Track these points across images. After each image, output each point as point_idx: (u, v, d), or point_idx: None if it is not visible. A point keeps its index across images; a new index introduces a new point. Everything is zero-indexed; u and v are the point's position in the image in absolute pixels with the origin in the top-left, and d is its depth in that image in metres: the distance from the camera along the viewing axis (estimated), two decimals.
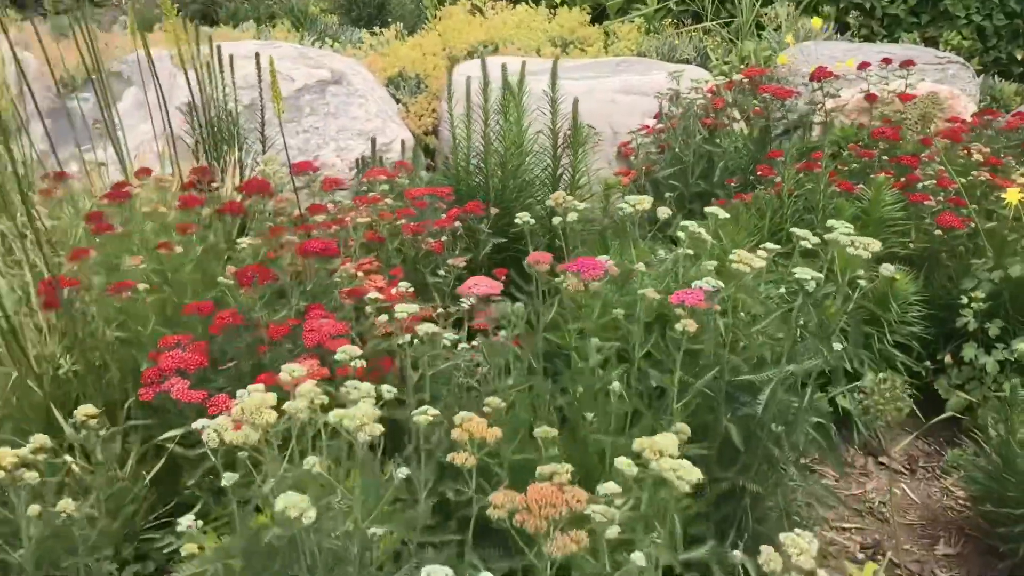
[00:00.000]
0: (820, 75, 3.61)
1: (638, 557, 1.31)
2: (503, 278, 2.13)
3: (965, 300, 2.88)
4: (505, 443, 1.87)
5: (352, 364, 1.68)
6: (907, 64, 3.73)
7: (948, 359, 3.02)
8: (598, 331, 1.95)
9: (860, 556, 2.60)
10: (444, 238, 2.60)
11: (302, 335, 2.04)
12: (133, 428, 2.16)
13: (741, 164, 3.71)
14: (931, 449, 3.06)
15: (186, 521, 1.51)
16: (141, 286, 2.04)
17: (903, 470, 2.96)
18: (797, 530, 1.38)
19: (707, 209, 2.09)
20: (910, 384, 2.94)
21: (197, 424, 1.41)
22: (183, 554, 1.64)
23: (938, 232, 3.01)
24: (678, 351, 1.82)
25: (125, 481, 1.98)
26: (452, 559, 1.85)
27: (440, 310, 2.43)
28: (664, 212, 2.09)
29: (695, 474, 1.32)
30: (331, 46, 5.46)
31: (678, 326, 1.77)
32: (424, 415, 1.53)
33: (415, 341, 2.01)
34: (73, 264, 2.06)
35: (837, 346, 1.91)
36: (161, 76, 3.59)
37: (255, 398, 1.37)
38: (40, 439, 1.65)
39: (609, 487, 1.37)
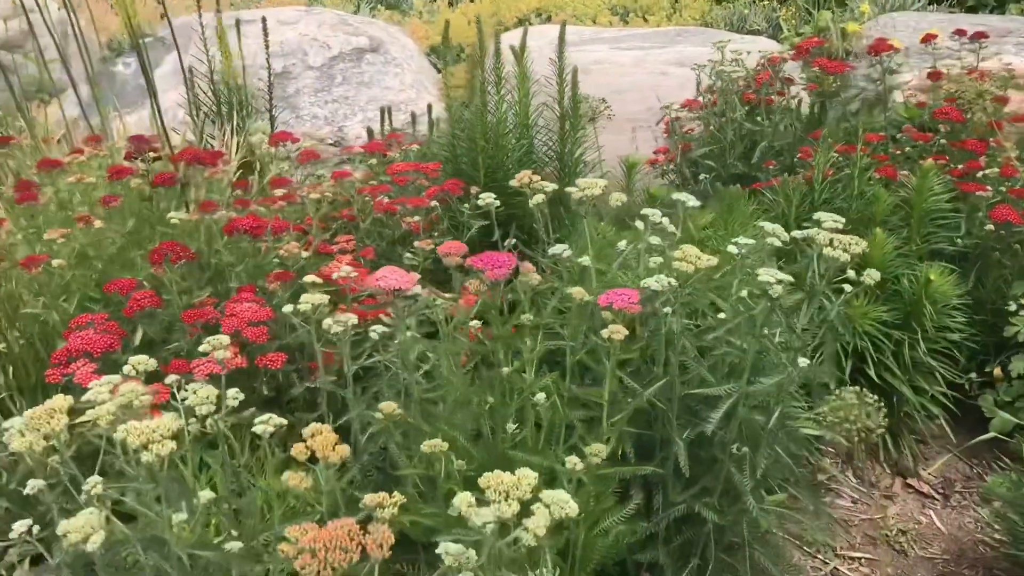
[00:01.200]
0: (879, 48, 3.23)
1: None
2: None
3: (1014, 307, 2.51)
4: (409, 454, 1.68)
5: (218, 355, 1.51)
6: (978, 36, 3.31)
7: (997, 372, 2.65)
8: (535, 331, 1.73)
9: None
10: (417, 217, 2.40)
11: (221, 320, 1.89)
12: None
13: (788, 145, 3.38)
14: (972, 472, 2.70)
15: (19, 528, 1.37)
16: (55, 261, 1.92)
17: (935, 495, 2.62)
18: None
19: (675, 195, 1.82)
20: (946, 397, 2.60)
21: (5, 423, 1.27)
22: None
23: (990, 227, 2.64)
24: (607, 359, 1.59)
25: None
26: None
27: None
28: (618, 197, 1.84)
29: (539, 526, 1.09)
30: (382, 12, 5.31)
31: (604, 332, 1.53)
32: (265, 424, 1.35)
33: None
34: None
35: (803, 362, 1.63)
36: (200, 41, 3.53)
37: (53, 400, 1.21)
38: None
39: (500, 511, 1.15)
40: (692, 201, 1.85)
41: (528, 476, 1.12)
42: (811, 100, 3.55)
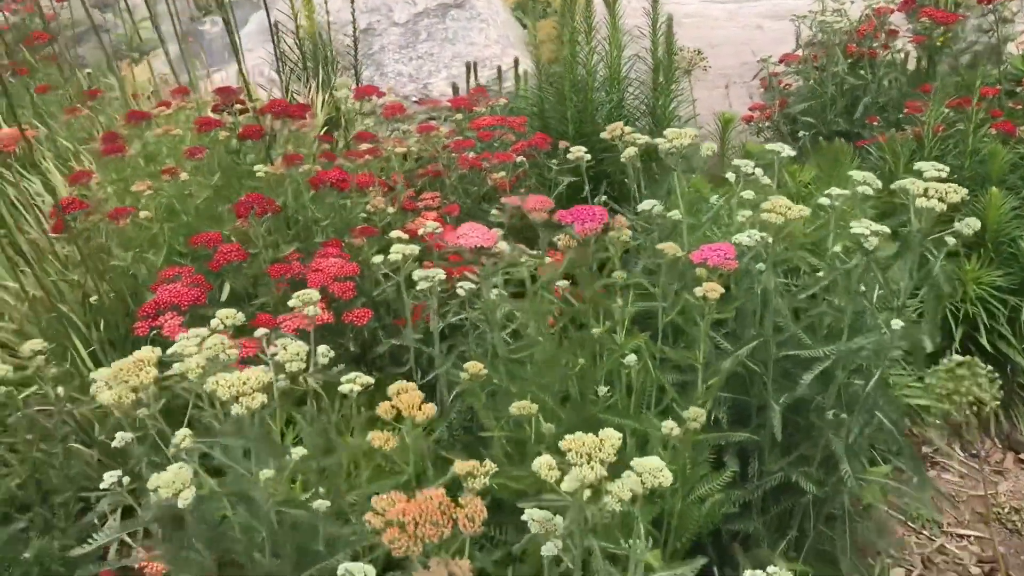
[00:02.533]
0: None
1: None
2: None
3: None
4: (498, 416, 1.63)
5: (308, 311, 1.48)
6: None
7: None
8: (627, 291, 1.66)
9: (975, 570, 2.18)
10: (503, 173, 2.33)
11: (307, 275, 1.87)
12: None
13: (892, 100, 3.20)
14: None
15: (109, 478, 1.36)
16: (142, 213, 1.91)
17: None
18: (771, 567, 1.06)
19: (769, 146, 1.72)
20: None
21: (94, 374, 1.26)
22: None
23: None
24: (701, 319, 1.50)
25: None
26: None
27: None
28: (708, 147, 1.74)
29: (629, 489, 1.02)
30: None
31: (698, 291, 1.45)
32: (351, 383, 1.31)
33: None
34: (74, 187, 1.97)
35: (896, 323, 1.51)
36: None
37: (141, 352, 1.19)
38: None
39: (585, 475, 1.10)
40: (787, 151, 1.74)
41: (611, 437, 1.05)
42: (917, 54, 3.35)
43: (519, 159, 2.36)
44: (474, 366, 1.53)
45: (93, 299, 2.19)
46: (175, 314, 1.81)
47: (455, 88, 3.20)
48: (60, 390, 1.62)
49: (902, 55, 3.31)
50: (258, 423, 1.18)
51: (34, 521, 1.63)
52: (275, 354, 1.32)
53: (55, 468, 1.57)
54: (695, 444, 1.57)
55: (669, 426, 1.40)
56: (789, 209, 1.46)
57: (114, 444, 1.25)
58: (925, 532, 2.25)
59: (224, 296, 1.99)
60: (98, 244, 1.97)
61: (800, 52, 3.36)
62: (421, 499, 0.99)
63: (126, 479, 1.38)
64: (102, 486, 1.37)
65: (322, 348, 1.40)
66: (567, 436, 1.05)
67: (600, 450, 1.02)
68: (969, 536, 2.26)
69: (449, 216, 2.31)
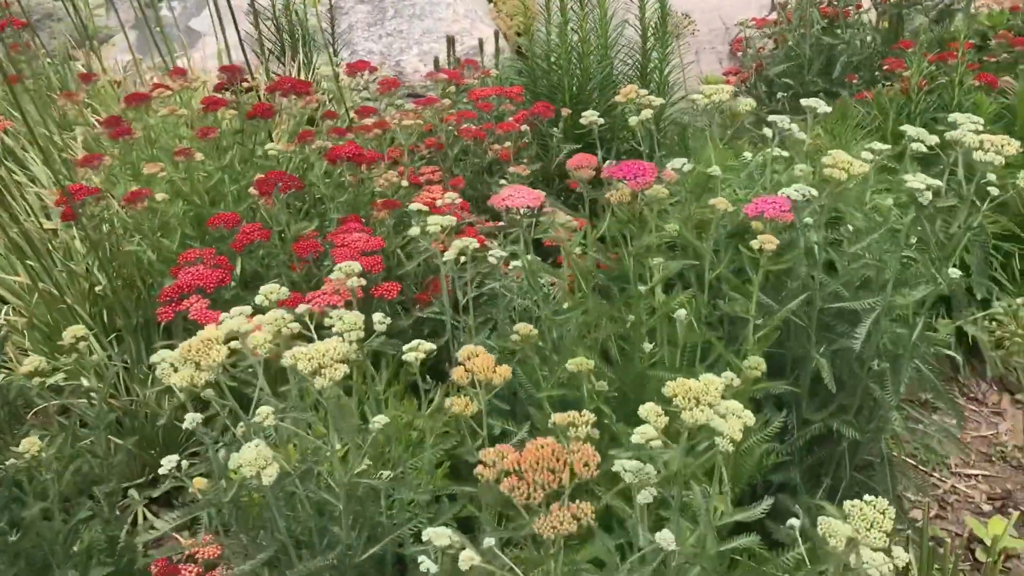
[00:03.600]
0: None
1: (665, 538, 1.05)
2: (578, 189, 1.86)
3: None
4: (546, 377, 1.63)
5: (350, 283, 1.45)
6: None
7: None
8: (665, 248, 1.66)
9: (987, 507, 2.24)
10: (508, 144, 2.32)
11: (332, 251, 1.83)
12: (170, 347, 2.01)
13: (866, 58, 3.25)
14: None
15: (168, 463, 1.33)
16: (159, 195, 1.86)
17: None
18: (867, 496, 1.08)
19: (803, 102, 1.73)
20: None
21: (155, 357, 1.22)
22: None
23: None
24: (755, 272, 1.51)
25: (149, 406, 1.84)
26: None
27: (503, 223, 2.17)
28: (747, 104, 1.75)
29: (735, 430, 1.03)
30: None
31: (754, 243, 1.46)
32: (415, 351, 1.29)
33: (462, 258, 1.78)
34: (85, 171, 1.90)
35: (955, 273, 1.54)
36: None
37: (204, 332, 1.16)
38: (34, 361, 1.51)
39: (646, 431, 1.10)
40: (823, 107, 1.76)
41: (715, 382, 1.06)
42: (879, 11, 3.41)
43: (523, 128, 2.35)
44: (524, 327, 1.53)
45: (99, 289, 2.13)
46: (200, 296, 1.76)
47: (436, 62, 3.16)
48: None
49: (869, 15, 3.37)
50: (336, 396, 1.15)
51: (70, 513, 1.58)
52: (331, 326, 1.29)
53: (98, 457, 1.52)
54: (743, 395, 1.59)
55: (729, 376, 1.41)
56: (851, 164, 1.47)
57: (185, 425, 1.21)
58: (936, 474, 2.31)
59: (237, 278, 1.95)
60: (108, 231, 1.91)
61: (774, 15, 3.39)
62: (533, 448, 0.98)
63: (184, 463, 1.35)
64: (161, 471, 1.33)
65: (378, 316, 1.38)
66: (670, 383, 1.05)
67: (706, 394, 1.03)
68: (977, 475, 2.32)
69: (454, 189, 2.29)
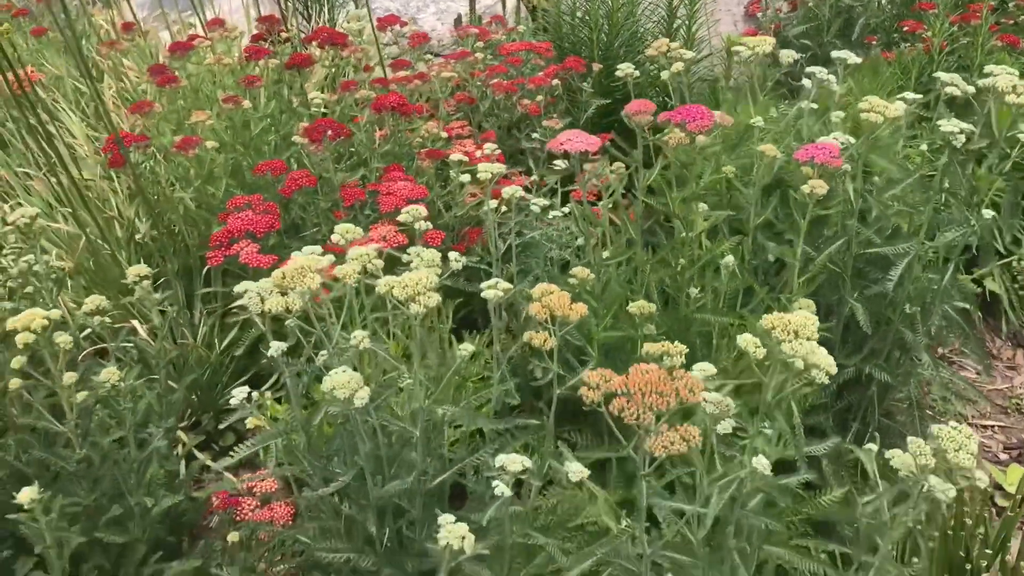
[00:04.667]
0: None
1: (761, 463, 1.11)
2: (607, 142, 1.90)
3: None
4: (596, 321, 1.67)
5: (417, 227, 1.49)
6: None
7: None
8: (707, 197, 1.71)
9: (1003, 457, 2.32)
10: (539, 98, 2.35)
11: (378, 199, 1.87)
12: (211, 296, 2.06)
13: (884, 20, 3.29)
14: None
15: (239, 394, 1.37)
16: (209, 143, 1.89)
17: None
18: (952, 423, 1.15)
19: (834, 54, 1.77)
20: None
21: (239, 287, 1.25)
22: (248, 426, 1.53)
23: None
24: (803, 218, 1.56)
25: (197, 349, 1.88)
26: (536, 445, 1.70)
27: (534, 177, 2.22)
28: (788, 55, 1.79)
29: (830, 363, 1.09)
30: None
31: (804, 188, 1.51)
32: (493, 288, 1.34)
33: (502, 208, 1.82)
34: (136, 118, 1.92)
35: (987, 214, 1.60)
36: None
37: (298, 260, 1.20)
38: (96, 300, 1.54)
39: (706, 367, 1.16)
40: (853, 58, 1.80)
41: (811, 317, 1.11)
42: None
43: (554, 82, 2.38)
44: (581, 271, 1.57)
45: (138, 237, 2.16)
46: (250, 241, 1.80)
47: (458, 19, 3.18)
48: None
49: None
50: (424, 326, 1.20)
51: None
52: (410, 261, 1.34)
53: (161, 395, 1.56)
54: None
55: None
56: (887, 108, 1.52)
57: (270, 353, 1.25)
58: (952, 425, 2.38)
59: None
60: (153, 179, 1.93)
61: None
62: (638, 372, 1.03)
63: (255, 394, 1.39)
64: (232, 402, 1.38)
65: (454, 254, 1.42)
66: (767, 316, 1.10)
67: (804, 328, 1.08)
68: (993, 427, 2.40)
69: (487, 142, 2.33)
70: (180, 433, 1.91)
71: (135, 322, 1.83)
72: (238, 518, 1.54)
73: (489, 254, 1.85)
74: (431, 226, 1.50)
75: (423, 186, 1.91)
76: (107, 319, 1.53)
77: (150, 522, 1.45)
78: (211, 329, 1.96)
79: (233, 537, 1.52)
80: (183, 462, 1.85)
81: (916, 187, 1.68)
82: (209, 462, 1.76)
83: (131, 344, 1.65)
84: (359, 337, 1.18)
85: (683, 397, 1.01)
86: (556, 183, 2.13)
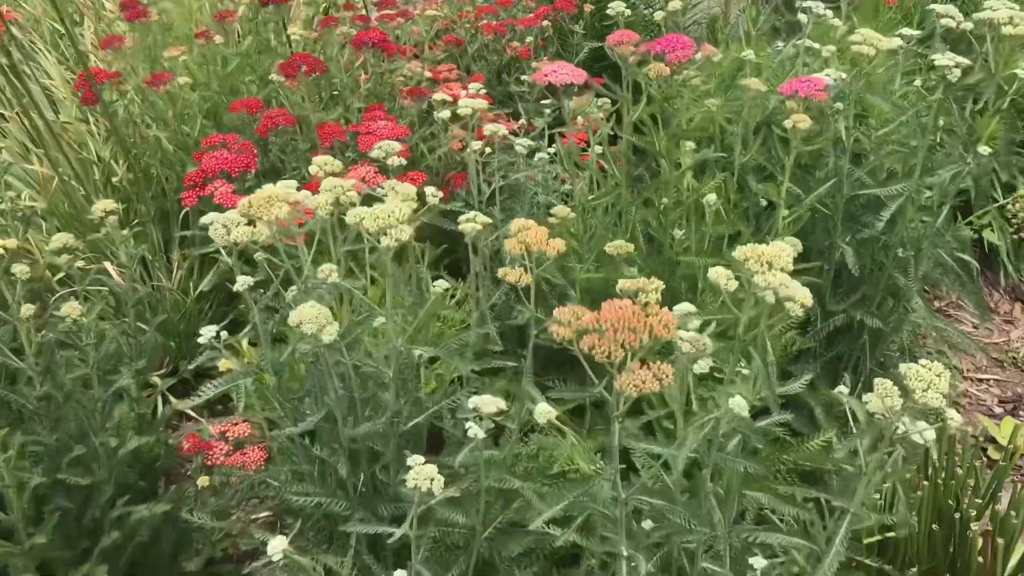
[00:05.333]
0: None
1: (738, 403, 1.06)
2: (599, 86, 1.84)
3: None
4: (580, 264, 1.63)
5: (390, 163, 1.44)
6: None
7: None
8: (696, 136, 1.65)
9: (998, 410, 2.28)
10: (529, 40, 2.28)
11: (358, 139, 1.81)
12: (190, 240, 2.01)
13: None
14: None
15: (207, 333, 1.32)
16: (181, 79, 1.82)
17: None
18: (923, 360, 1.10)
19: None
20: None
21: (206, 218, 1.20)
22: (221, 369, 1.49)
23: None
24: (787, 155, 1.51)
25: (174, 293, 1.83)
26: (512, 388, 1.65)
27: (522, 122, 2.15)
28: None
29: (806, 295, 1.04)
30: None
31: (787, 123, 1.45)
32: (471, 222, 1.29)
33: (486, 150, 1.77)
34: (106, 53, 1.86)
35: (984, 150, 1.54)
36: None
37: (265, 190, 1.15)
38: (62, 238, 1.49)
39: (686, 307, 1.12)
40: None
41: (787, 248, 1.06)
42: None
43: (544, 23, 2.31)
44: (562, 209, 1.52)
45: (115, 180, 2.10)
46: (225, 181, 1.75)
47: None
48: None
49: None
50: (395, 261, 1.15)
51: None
52: (383, 196, 1.28)
53: (128, 335, 1.52)
54: None
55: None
56: (879, 40, 1.46)
57: (236, 287, 1.20)
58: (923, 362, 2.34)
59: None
60: (127, 118, 1.88)
61: None
62: (611, 308, 0.98)
63: (224, 335, 1.35)
64: (200, 340, 1.33)
65: (430, 189, 1.37)
66: (741, 248, 1.05)
67: (779, 259, 1.03)
68: (988, 380, 2.36)
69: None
70: (155, 378, 1.88)
71: (108, 264, 1.78)
72: (209, 462, 1.51)
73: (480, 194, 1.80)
74: (404, 162, 1.44)
75: (405, 126, 1.85)
76: (78, 260, 1.48)
77: (117, 464, 1.41)
78: (188, 273, 1.92)
79: (203, 481, 1.49)
80: (160, 407, 1.82)
81: (911, 125, 1.63)
82: (178, 404, 1.72)
83: (102, 285, 1.60)
84: (327, 270, 1.13)
85: (657, 333, 0.96)
86: (544, 127, 2.07)
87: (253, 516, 1.81)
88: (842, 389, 1.21)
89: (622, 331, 0.96)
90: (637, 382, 0.97)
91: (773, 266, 1.03)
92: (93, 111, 1.96)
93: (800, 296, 1.04)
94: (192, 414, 1.86)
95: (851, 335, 1.87)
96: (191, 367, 1.69)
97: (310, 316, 1.10)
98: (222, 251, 1.21)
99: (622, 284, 1.07)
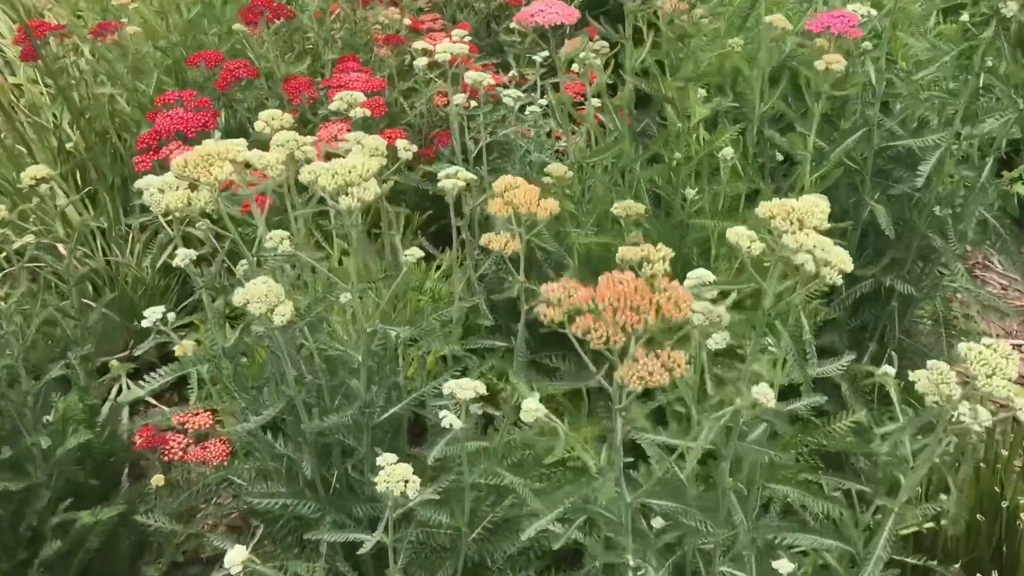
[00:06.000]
0: None
1: (763, 391, 0.90)
2: (598, 25, 1.65)
3: None
4: (578, 228, 1.46)
5: (353, 114, 1.26)
6: None
7: None
8: (703, 80, 1.47)
9: None
10: None
11: (329, 93, 1.63)
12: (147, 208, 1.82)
13: None
14: None
15: (152, 315, 1.15)
16: (131, 28, 1.64)
17: None
18: (986, 339, 0.93)
19: None
20: None
21: (140, 183, 1.03)
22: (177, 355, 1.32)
23: None
24: (816, 101, 1.33)
25: (131, 269, 1.66)
26: (508, 367, 1.48)
27: (513, 73, 1.97)
28: None
29: (845, 259, 0.87)
30: None
31: (818, 63, 1.27)
32: (453, 178, 1.11)
33: (472, 103, 1.59)
34: (48, 2, 1.68)
35: None
36: None
37: (205, 146, 0.97)
38: None
39: (702, 274, 0.95)
40: None
41: (821, 203, 0.89)
42: None
43: None
44: (558, 168, 1.35)
45: (69, 146, 1.92)
46: (180, 143, 1.57)
47: None
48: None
49: None
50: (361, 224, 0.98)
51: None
52: (348, 150, 1.11)
53: (71, 318, 1.35)
54: None
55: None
56: None
57: (175, 263, 1.03)
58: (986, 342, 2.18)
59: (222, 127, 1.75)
60: (76, 75, 1.69)
61: None
62: (609, 284, 0.80)
63: (171, 316, 1.18)
64: (144, 323, 1.16)
65: (402, 142, 1.19)
66: (766, 203, 0.88)
67: (812, 216, 0.86)
68: (1020, 345, 2.19)
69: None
70: (114, 362, 1.71)
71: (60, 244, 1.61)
72: (166, 457, 1.35)
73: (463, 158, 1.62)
74: (367, 113, 1.27)
75: (382, 79, 1.67)
76: (27, 234, 1.31)
77: (58, 464, 1.25)
78: (144, 246, 1.74)
79: (158, 480, 1.32)
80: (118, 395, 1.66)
81: (950, 69, 1.44)
82: (127, 395, 1.55)
83: (39, 263, 1.43)
84: (277, 238, 0.96)
85: (666, 313, 0.79)
86: (536, 79, 1.89)
87: (225, 512, 1.65)
88: (888, 370, 1.05)
89: (623, 311, 0.78)
90: (642, 374, 0.79)
91: (805, 224, 0.86)
92: (37, 68, 1.78)
93: (838, 260, 0.87)
94: (153, 402, 1.69)
95: (878, 302, 1.71)
96: (138, 353, 1.52)
97: (258, 294, 0.93)
98: (161, 220, 1.04)
99: (623, 252, 0.90)
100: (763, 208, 0.87)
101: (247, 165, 1.02)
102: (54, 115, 1.98)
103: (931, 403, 0.94)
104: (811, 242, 0.85)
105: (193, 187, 1.00)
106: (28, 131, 1.87)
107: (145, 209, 0.99)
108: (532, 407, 0.83)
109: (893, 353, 1.73)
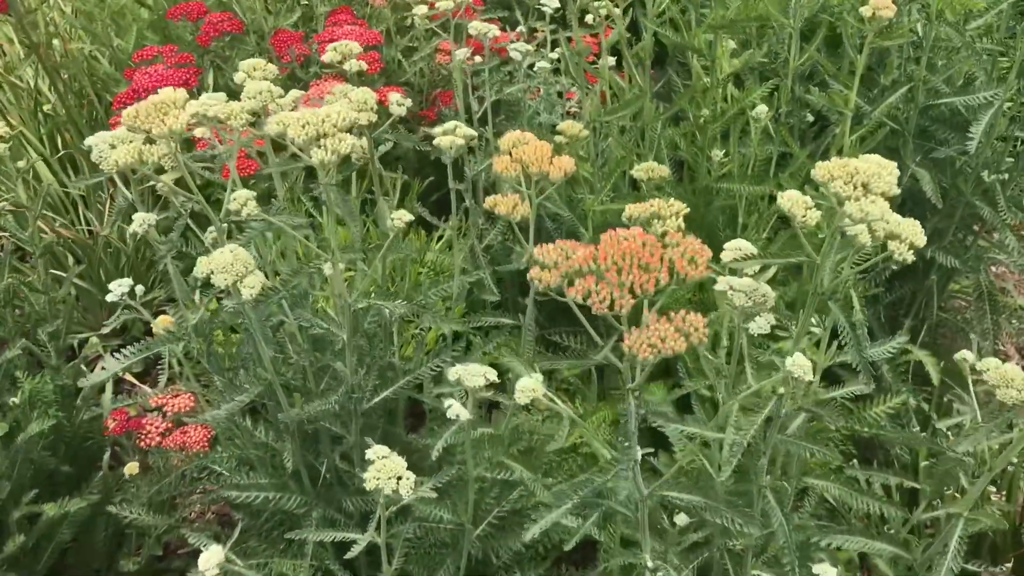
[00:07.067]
0: None
1: (799, 362, 0.78)
2: None
3: None
4: (593, 194, 1.33)
5: (348, 67, 1.13)
6: None
7: None
8: (740, 22, 1.33)
9: None
10: None
11: (320, 48, 1.50)
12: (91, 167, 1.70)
13: None
14: None
15: (118, 289, 1.04)
16: None
17: None
18: None
19: None
20: None
21: (90, 139, 0.91)
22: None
23: None
24: (858, 53, 1.19)
25: (109, 239, 1.54)
26: (515, 345, 1.36)
27: (521, 29, 1.83)
28: None
29: (917, 231, 0.75)
30: None
31: (864, 9, 1.13)
32: (450, 134, 0.98)
33: (476, 58, 1.46)
34: None
35: None
36: None
37: (160, 95, 0.85)
38: None
39: (739, 244, 0.83)
40: None
41: (889, 165, 0.76)
42: None
43: None
44: (572, 125, 1.22)
45: (47, 108, 1.80)
46: None
47: None
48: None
49: None
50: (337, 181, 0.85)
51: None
52: (332, 102, 0.98)
53: (38, 292, 1.23)
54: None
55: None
56: None
57: (131, 229, 0.91)
58: (1014, 321, 2.05)
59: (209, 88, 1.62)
60: (50, 29, 1.56)
61: None
62: (613, 240, 0.68)
63: (139, 288, 1.06)
64: (109, 298, 1.05)
65: (395, 96, 1.07)
66: (823, 164, 0.76)
67: (879, 178, 0.73)
68: None
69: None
70: (93, 338, 1.59)
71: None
72: (141, 443, 1.23)
73: (467, 119, 1.49)
74: (364, 66, 1.14)
75: (378, 32, 1.54)
76: None
77: (20, 451, 1.13)
78: (126, 214, 1.62)
79: (131, 469, 1.21)
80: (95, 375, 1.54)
81: (1006, 19, 1.31)
82: (92, 377, 1.42)
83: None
84: (241, 198, 0.83)
85: (680, 271, 0.66)
86: (547, 33, 1.76)
87: (211, 500, 1.54)
88: (967, 355, 0.92)
89: (629, 270, 0.66)
90: (654, 340, 0.67)
91: (870, 190, 0.74)
92: (10, 23, 1.65)
93: (910, 232, 0.75)
94: (136, 382, 1.57)
95: (916, 275, 1.58)
96: (105, 330, 1.40)
97: (223, 263, 0.81)
98: (116, 178, 0.92)
99: (630, 209, 0.77)
100: (820, 170, 0.75)
101: (220, 122, 0.90)
102: (30, 73, 1.86)
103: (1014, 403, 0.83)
104: (877, 211, 0.72)
105: (150, 142, 0.87)
106: (4, 92, 1.75)
107: (96, 168, 0.87)
108: (528, 387, 0.71)
109: (933, 331, 1.62)
